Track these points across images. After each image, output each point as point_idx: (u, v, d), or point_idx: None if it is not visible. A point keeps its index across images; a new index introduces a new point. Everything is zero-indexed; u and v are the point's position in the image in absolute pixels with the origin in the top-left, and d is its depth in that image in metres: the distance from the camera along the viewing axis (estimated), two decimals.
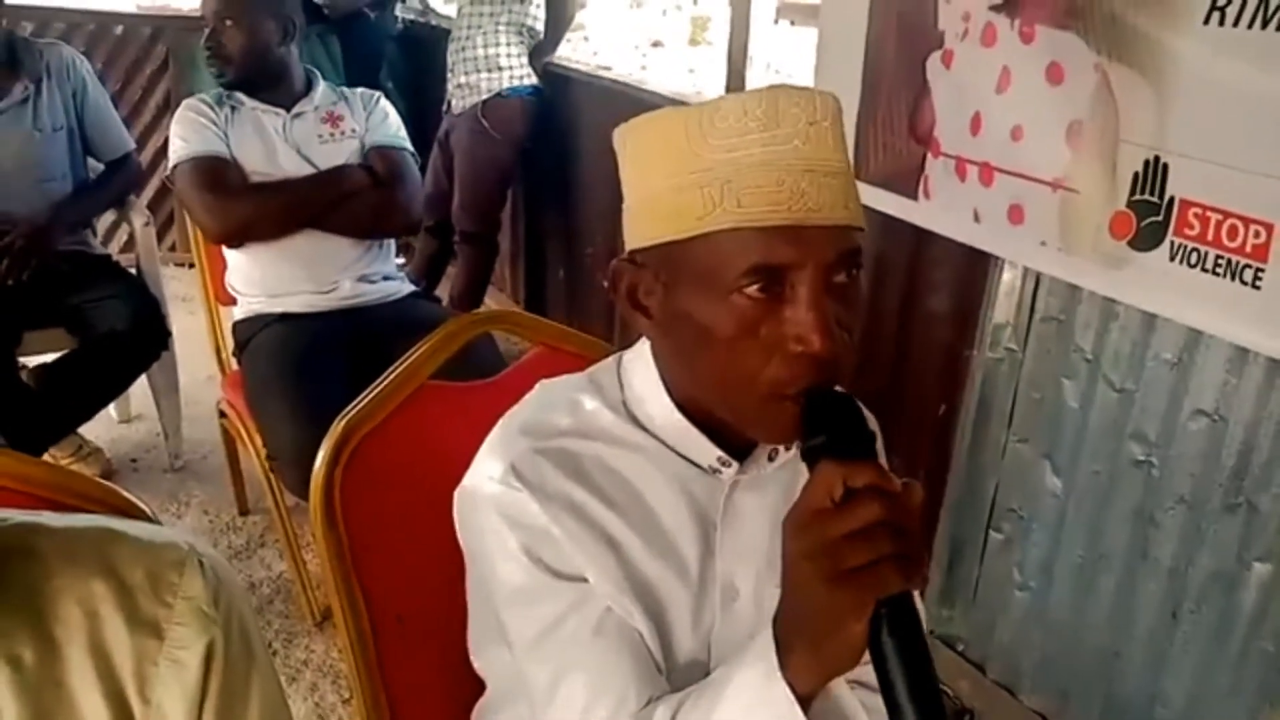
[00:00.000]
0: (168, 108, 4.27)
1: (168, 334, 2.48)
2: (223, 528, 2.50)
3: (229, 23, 2.15)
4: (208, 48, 2.18)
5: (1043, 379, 1.86)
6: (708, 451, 0.85)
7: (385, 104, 2.33)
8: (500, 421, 0.89)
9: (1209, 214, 1.28)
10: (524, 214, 3.82)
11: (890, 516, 0.66)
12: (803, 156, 0.74)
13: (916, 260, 2.08)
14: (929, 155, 1.75)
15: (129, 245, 3.53)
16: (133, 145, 2.74)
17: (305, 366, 2.04)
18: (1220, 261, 1.28)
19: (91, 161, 2.67)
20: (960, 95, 1.64)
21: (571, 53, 3.81)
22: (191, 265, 3.77)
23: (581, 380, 0.91)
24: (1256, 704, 1.59)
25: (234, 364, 2.30)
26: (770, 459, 0.88)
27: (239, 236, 2.12)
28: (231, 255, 2.20)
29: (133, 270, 2.65)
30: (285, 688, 1.95)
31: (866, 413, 0.80)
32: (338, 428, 1.00)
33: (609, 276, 0.85)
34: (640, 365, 0.88)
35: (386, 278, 2.28)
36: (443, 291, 3.48)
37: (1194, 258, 1.31)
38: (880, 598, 0.65)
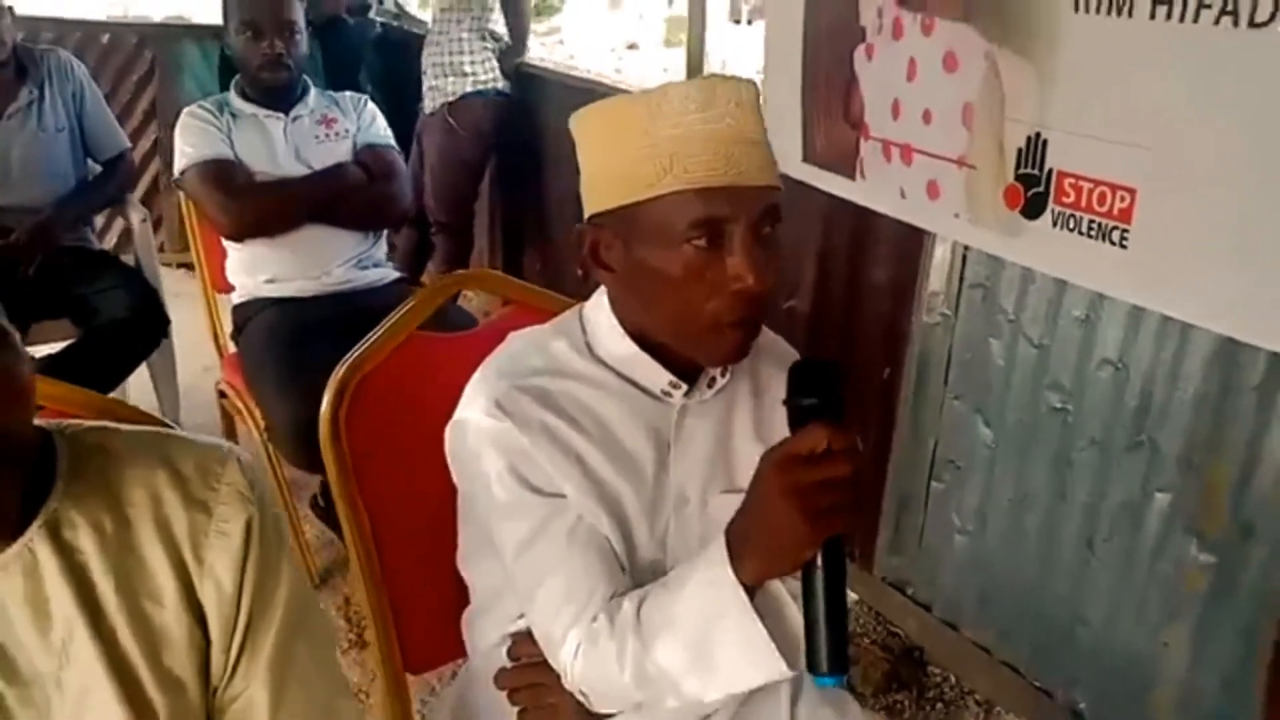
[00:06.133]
0: (154, 113, 4.43)
1: (167, 321, 2.64)
2: None
3: (296, 35, 2.35)
4: (269, 55, 2.31)
5: (973, 340, 2.05)
6: (660, 376, 1.02)
7: (372, 106, 2.51)
8: (481, 366, 1.06)
9: (1081, 183, 1.47)
10: (500, 209, 3.99)
11: (854, 475, 0.84)
12: (732, 130, 0.92)
13: (859, 237, 2.27)
14: (861, 139, 1.94)
15: (120, 243, 3.70)
16: (128, 144, 2.90)
17: (300, 346, 2.20)
18: (1093, 225, 1.47)
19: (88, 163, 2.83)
20: (881, 84, 1.83)
21: (548, 54, 4.00)
22: (180, 265, 3.95)
23: (548, 328, 1.09)
24: (1160, 619, 1.78)
25: (231, 347, 2.46)
26: (710, 386, 1.05)
27: (252, 232, 2.30)
28: (233, 246, 2.37)
29: (130, 263, 2.81)
30: None
31: None
32: (340, 371, 1.18)
33: (575, 239, 1.02)
34: (599, 311, 1.05)
35: (376, 265, 2.46)
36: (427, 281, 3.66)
37: (1071, 223, 1.50)
38: (830, 536, 0.84)
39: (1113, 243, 1.48)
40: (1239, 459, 1.62)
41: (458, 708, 1.18)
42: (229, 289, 2.46)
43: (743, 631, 0.87)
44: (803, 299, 2.44)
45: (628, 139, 0.94)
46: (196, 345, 2.72)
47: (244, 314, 2.35)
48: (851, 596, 2.52)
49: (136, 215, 2.82)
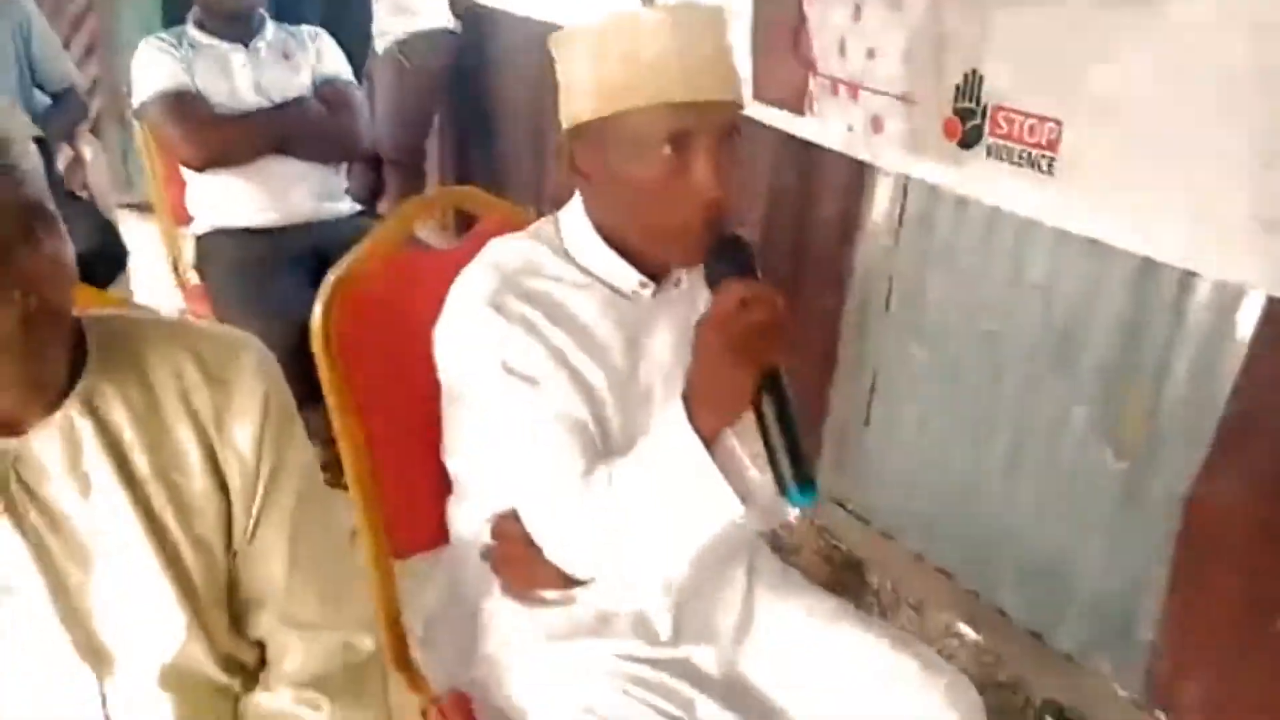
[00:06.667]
0: (95, 48, 4.35)
1: (126, 253, 2.66)
2: None
3: None
4: None
5: (912, 268, 2.18)
6: (630, 277, 1.12)
7: (330, 40, 2.55)
8: (465, 271, 1.14)
9: (1014, 115, 1.60)
10: (451, 145, 4.04)
11: (774, 316, 0.96)
12: (699, 52, 1.02)
13: (808, 171, 2.37)
14: (810, 76, 2.04)
15: (65, 176, 3.66)
16: (79, 78, 2.89)
17: (266, 275, 2.26)
18: (1023, 155, 1.60)
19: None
20: (829, 23, 1.93)
21: None
22: (123, 205, 3.91)
23: (526, 234, 1.18)
24: (1079, 524, 1.95)
25: (193, 278, 2.50)
26: (675, 286, 1.16)
27: (216, 163, 2.34)
28: (194, 176, 2.40)
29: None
30: None
31: None
32: (332, 276, 1.25)
33: (557, 151, 1.11)
34: (574, 217, 1.14)
35: (337, 197, 2.51)
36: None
37: (1004, 153, 1.62)
38: (765, 370, 0.96)
39: (1040, 170, 1.61)
40: (1152, 374, 1.77)
41: (443, 585, 1.28)
42: (187, 220, 2.49)
43: (701, 476, 0.98)
44: (753, 231, 2.54)
45: (607, 58, 1.03)
46: (147, 280, 2.73)
47: (207, 245, 2.39)
48: (793, 512, 2.67)
49: (90, 149, 2.82)
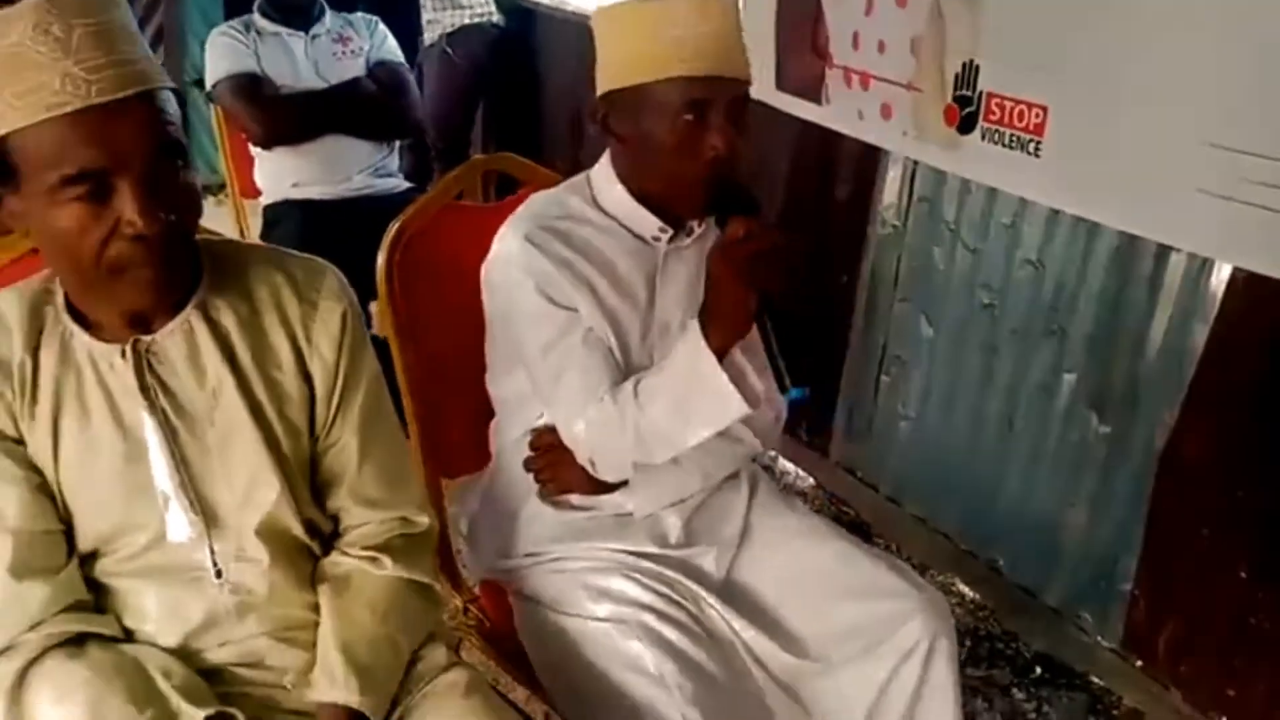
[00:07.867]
0: (161, 38, 4.62)
1: None
2: None
3: None
4: None
5: (919, 247, 2.34)
6: (651, 224, 1.31)
7: (383, 27, 2.77)
8: (512, 216, 1.34)
9: (1005, 101, 1.77)
10: (495, 134, 4.25)
11: (771, 245, 1.16)
12: (717, 34, 1.21)
13: (824, 157, 2.55)
14: (826, 67, 2.21)
15: None
16: None
17: (326, 242, 2.46)
18: (1014, 138, 1.76)
19: None
20: (843, 17, 2.11)
21: None
22: None
23: (562, 188, 1.38)
24: (1067, 483, 2.10)
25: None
26: (688, 235, 1.34)
27: (280, 140, 2.58)
28: (261, 153, 2.62)
29: None
30: None
31: None
32: (393, 229, 1.46)
33: (590, 112, 1.30)
34: (603, 172, 1.34)
35: (390, 174, 2.73)
36: None
37: (996, 136, 1.79)
38: (764, 291, 1.16)
39: (1028, 153, 1.78)
40: (1132, 341, 1.93)
41: (487, 489, 1.47)
42: (255, 194, 2.72)
43: (714, 381, 1.18)
44: (774, 214, 2.72)
45: (641, 34, 1.22)
46: None
47: (273, 215, 2.62)
48: (808, 481, 2.84)
49: None
